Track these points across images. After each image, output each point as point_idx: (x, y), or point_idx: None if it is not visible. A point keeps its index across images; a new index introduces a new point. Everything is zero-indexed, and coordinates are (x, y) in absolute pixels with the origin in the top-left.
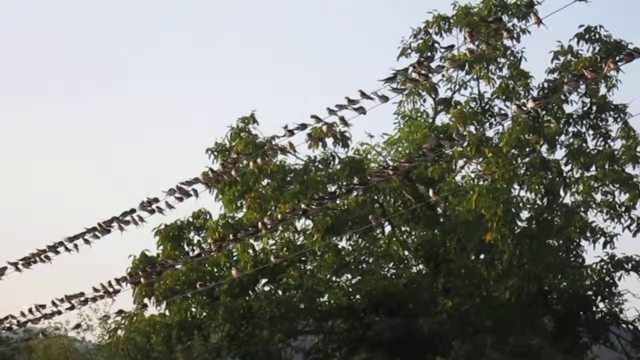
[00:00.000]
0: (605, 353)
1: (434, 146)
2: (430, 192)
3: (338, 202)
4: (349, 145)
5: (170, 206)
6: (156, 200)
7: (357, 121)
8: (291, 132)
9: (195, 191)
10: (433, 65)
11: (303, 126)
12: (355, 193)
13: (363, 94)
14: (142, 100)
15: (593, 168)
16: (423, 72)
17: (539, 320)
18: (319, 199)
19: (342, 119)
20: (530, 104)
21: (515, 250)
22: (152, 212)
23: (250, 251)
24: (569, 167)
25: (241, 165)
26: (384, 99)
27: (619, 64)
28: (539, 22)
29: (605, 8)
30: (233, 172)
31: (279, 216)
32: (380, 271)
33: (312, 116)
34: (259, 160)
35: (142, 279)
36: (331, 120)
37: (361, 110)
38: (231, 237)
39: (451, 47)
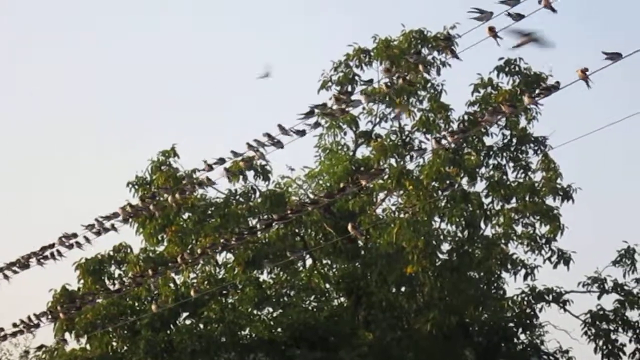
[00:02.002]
0: None
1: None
2: (349, 226)
3: (259, 235)
4: (269, 178)
5: (88, 241)
6: (75, 235)
7: (278, 154)
8: (210, 167)
9: (113, 226)
10: (353, 97)
11: (222, 161)
12: (275, 226)
13: (281, 129)
14: None
15: (513, 200)
16: (340, 107)
17: (460, 352)
18: (239, 234)
19: (260, 153)
20: (448, 139)
21: (436, 282)
22: (70, 247)
23: (172, 285)
24: (489, 199)
25: (162, 199)
26: (302, 133)
27: (538, 98)
28: (454, 56)
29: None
30: (151, 207)
31: (199, 250)
32: (302, 304)
33: (231, 151)
34: (177, 196)
35: (61, 314)
36: (250, 154)
37: (279, 145)
38: (151, 272)
39: (370, 81)
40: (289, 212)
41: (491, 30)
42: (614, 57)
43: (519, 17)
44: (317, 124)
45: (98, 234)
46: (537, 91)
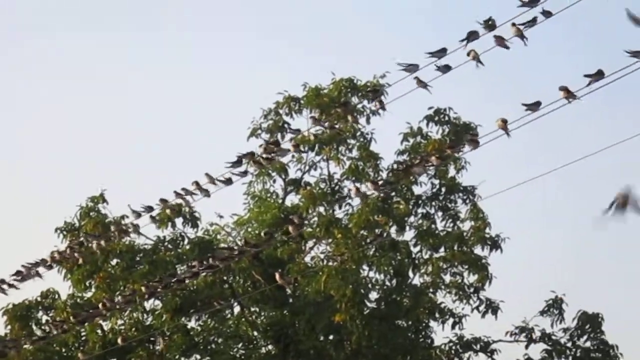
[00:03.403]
0: None
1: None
2: (277, 276)
3: (187, 282)
4: (198, 225)
5: (13, 286)
6: (2, 281)
7: (208, 201)
8: (138, 214)
9: (38, 273)
10: (283, 146)
11: (149, 208)
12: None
13: (209, 177)
14: None
15: (442, 249)
16: (268, 156)
17: None
18: (165, 283)
19: (187, 201)
20: (373, 190)
21: (364, 331)
22: None
23: (99, 331)
24: (418, 248)
25: (90, 245)
26: (229, 182)
27: (465, 149)
28: (382, 107)
29: (455, 90)
30: (76, 254)
31: (120, 298)
32: (230, 352)
33: (160, 199)
34: (102, 242)
35: None
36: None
37: (205, 193)
38: (77, 318)
39: (297, 131)
40: (216, 262)
41: (420, 81)
42: (533, 107)
43: (446, 68)
44: (245, 173)
45: (23, 280)
46: (463, 143)
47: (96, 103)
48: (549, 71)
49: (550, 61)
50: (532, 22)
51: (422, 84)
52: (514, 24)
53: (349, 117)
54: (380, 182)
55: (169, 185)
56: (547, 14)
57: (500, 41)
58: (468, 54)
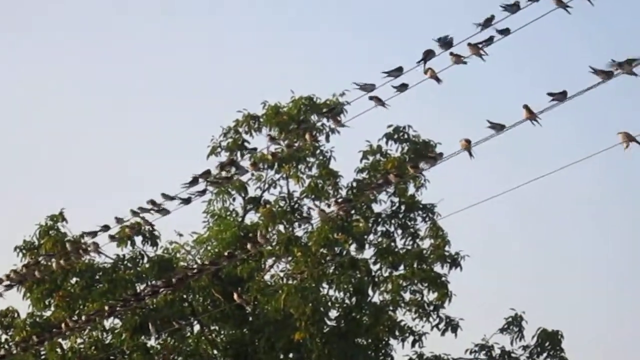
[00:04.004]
0: None
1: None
2: (235, 295)
3: (147, 300)
4: (157, 244)
5: None
6: None
7: (167, 219)
8: (94, 234)
9: None
10: (244, 164)
11: (106, 227)
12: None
13: (166, 197)
14: None
15: (402, 267)
16: (226, 175)
17: None
18: (124, 301)
19: (145, 220)
20: (333, 208)
21: (324, 349)
22: None
23: (59, 350)
24: (377, 266)
25: (50, 263)
26: (187, 201)
27: (423, 167)
28: (339, 125)
29: (414, 107)
30: (37, 273)
31: (83, 317)
32: None
33: (116, 218)
34: (62, 262)
35: None
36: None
37: (164, 212)
38: (36, 338)
39: (254, 149)
40: (174, 281)
41: (377, 99)
42: (496, 126)
43: (404, 87)
44: (203, 192)
45: None
46: (422, 161)
47: (53, 121)
48: (511, 89)
49: (512, 79)
50: (489, 41)
51: (379, 102)
52: (469, 44)
53: (307, 136)
54: (339, 201)
55: (129, 203)
56: (505, 31)
57: (458, 58)
58: (425, 72)
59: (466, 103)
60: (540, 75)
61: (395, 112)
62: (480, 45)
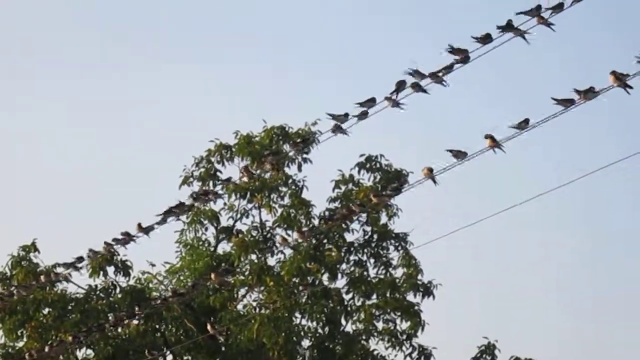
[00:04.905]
0: None
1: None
2: (208, 326)
3: (120, 330)
4: (130, 274)
5: None
6: None
7: (139, 249)
8: (68, 265)
9: None
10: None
11: (80, 259)
12: (136, 322)
13: (140, 228)
14: None
15: (374, 296)
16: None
17: None
18: (94, 330)
19: (115, 252)
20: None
21: None
22: None
23: None
24: (350, 295)
25: (23, 293)
26: (163, 221)
27: (392, 196)
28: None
29: (388, 136)
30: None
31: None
32: None
33: (89, 249)
34: (33, 294)
35: None
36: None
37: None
38: None
39: (228, 180)
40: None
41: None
42: (459, 154)
43: (364, 115)
44: (177, 218)
45: None
46: (389, 190)
47: (26, 151)
48: (478, 117)
49: (478, 108)
50: (449, 68)
51: (340, 130)
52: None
53: (277, 167)
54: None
55: (102, 234)
56: (465, 59)
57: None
58: (387, 99)
59: (438, 131)
60: (509, 104)
61: (369, 141)
62: (440, 73)
